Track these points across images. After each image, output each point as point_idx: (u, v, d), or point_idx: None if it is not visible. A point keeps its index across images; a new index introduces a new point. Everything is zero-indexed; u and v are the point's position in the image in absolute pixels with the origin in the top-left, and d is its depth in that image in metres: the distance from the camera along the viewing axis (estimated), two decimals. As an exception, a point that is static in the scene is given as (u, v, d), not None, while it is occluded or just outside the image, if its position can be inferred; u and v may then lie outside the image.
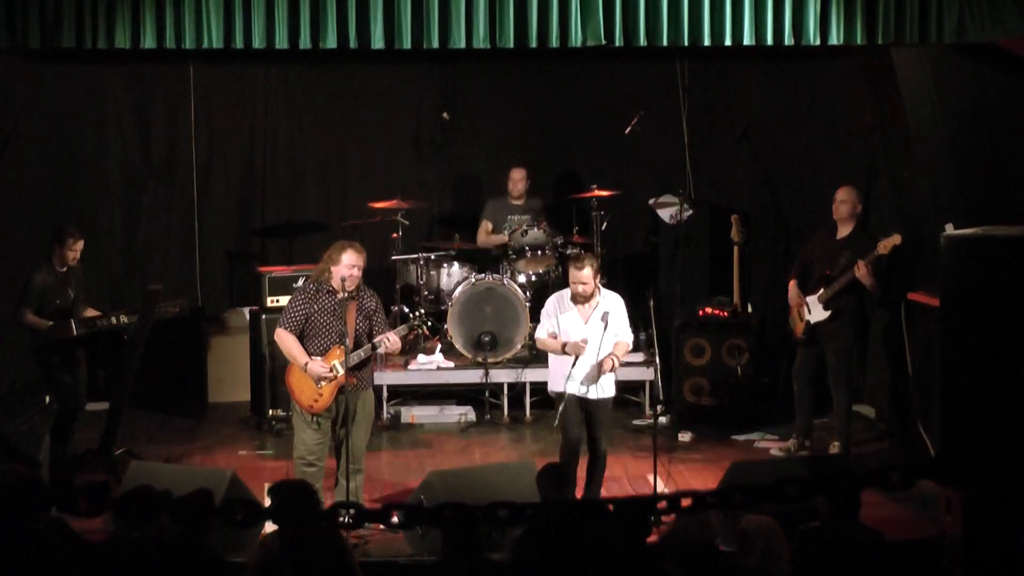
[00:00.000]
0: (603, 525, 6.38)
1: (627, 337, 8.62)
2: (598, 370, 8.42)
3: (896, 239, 9.53)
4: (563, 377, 8.47)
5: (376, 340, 8.41)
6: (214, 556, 6.34)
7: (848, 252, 9.69)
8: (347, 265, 8.34)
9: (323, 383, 8.31)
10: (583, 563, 6.30)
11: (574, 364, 8.40)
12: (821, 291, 9.74)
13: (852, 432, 9.99)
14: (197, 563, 6.18)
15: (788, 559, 6.46)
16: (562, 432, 8.57)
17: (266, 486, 9.05)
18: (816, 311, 9.78)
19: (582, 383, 8.44)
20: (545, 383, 9.15)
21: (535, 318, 10.56)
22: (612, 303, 8.61)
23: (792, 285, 9.99)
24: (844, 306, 9.74)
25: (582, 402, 8.50)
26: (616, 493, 8.99)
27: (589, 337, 8.45)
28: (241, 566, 6.50)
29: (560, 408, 8.45)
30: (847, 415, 9.88)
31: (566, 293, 8.65)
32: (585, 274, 8.44)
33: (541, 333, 8.67)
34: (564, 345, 8.47)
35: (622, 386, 10.89)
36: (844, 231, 9.83)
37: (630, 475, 9.50)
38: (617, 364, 8.47)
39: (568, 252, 11.06)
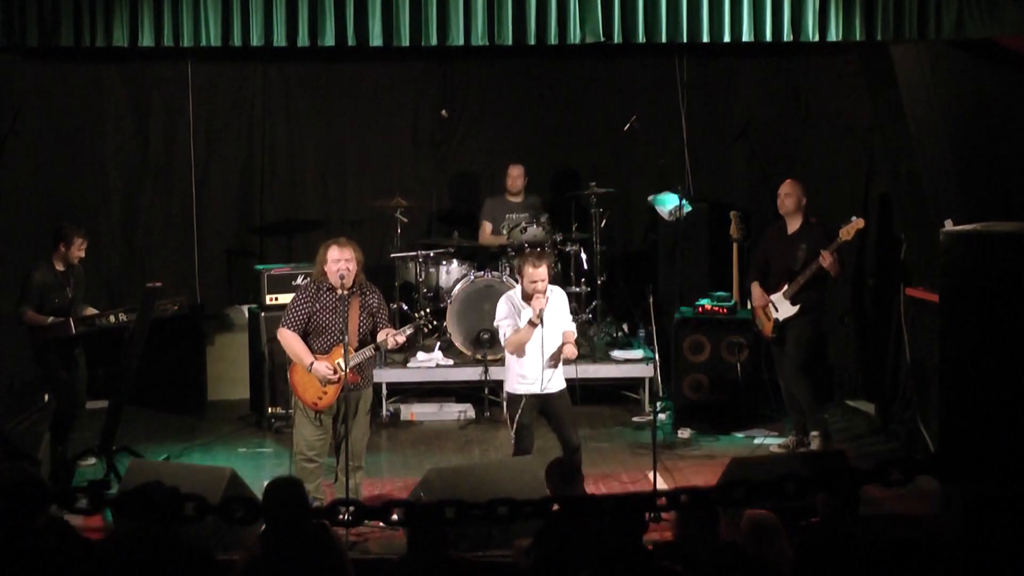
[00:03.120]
0: (602, 523, 6.38)
1: (572, 325, 8.70)
2: (556, 360, 8.48)
3: (859, 223, 9.50)
4: (519, 377, 8.51)
5: (380, 340, 8.41)
6: (204, 554, 6.31)
7: (804, 245, 9.67)
8: (334, 260, 8.34)
9: (327, 383, 8.32)
10: (592, 560, 6.29)
11: (525, 362, 8.47)
12: (785, 287, 9.72)
13: (851, 426, 9.99)
14: (189, 561, 6.16)
15: (790, 553, 6.46)
16: (516, 440, 8.57)
17: (265, 484, 9.06)
18: (783, 307, 9.75)
19: (538, 377, 8.48)
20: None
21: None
22: (560, 301, 8.66)
23: (755, 286, 9.95)
24: (808, 300, 9.71)
25: (541, 401, 8.52)
26: (615, 490, 8.98)
27: (547, 333, 8.45)
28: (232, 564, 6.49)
29: (517, 413, 8.48)
30: (815, 404, 9.82)
31: (514, 293, 8.65)
32: (543, 271, 8.44)
33: (508, 332, 8.59)
34: (529, 322, 8.43)
35: (622, 383, 10.94)
36: (794, 225, 9.81)
37: (629, 472, 9.50)
38: (576, 352, 8.59)
39: (549, 248, 10.96)
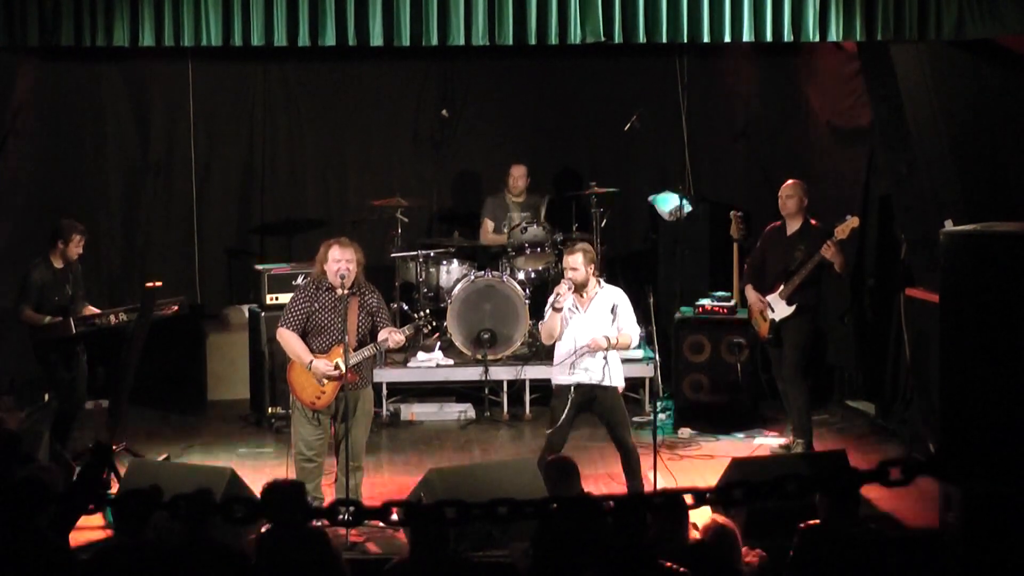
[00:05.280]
0: (600, 523, 6.38)
1: (631, 330, 8.63)
2: (588, 350, 8.46)
3: (854, 222, 9.47)
4: (560, 367, 8.52)
5: (380, 340, 8.41)
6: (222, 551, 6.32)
7: (802, 246, 9.66)
8: (335, 260, 8.34)
9: (326, 381, 8.32)
10: (590, 560, 6.29)
11: (563, 350, 8.49)
12: (781, 287, 9.71)
13: (851, 426, 9.97)
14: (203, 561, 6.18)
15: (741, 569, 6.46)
16: (550, 429, 8.56)
17: (263, 484, 9.06)
18: (779, 308, 9.72)
19: (579, 368, 8.47)
20: (545, 380, 9.11)
21: (534, 315, 10.59)
22: (616, 298, 8.63)
23: (749, 289, 9.94)
24: (804, 300, 9.70)
25: (587, 394, 8.50)
26: (615, 490, 8.98)
27: (587, 326, 8.47)
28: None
29: (564, 406, 8.46)
30: (807, 411, 9.81)
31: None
32: (574, 259, 8.50)
33: (545, 317, 8.66)
34: (553, 307, 8.49)
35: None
36: (794, 226, 9.78)
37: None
38: (604, 345, 8.47)
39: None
